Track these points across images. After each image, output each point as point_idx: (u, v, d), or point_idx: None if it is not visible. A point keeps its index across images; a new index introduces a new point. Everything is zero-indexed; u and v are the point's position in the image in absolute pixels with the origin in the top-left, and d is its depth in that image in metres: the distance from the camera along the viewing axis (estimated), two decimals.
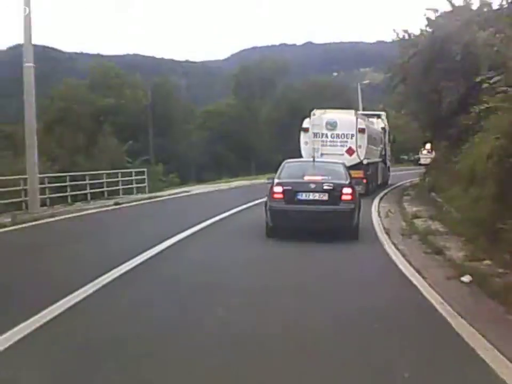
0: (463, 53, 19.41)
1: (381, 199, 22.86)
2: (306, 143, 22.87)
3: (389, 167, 31.78)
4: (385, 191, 26.86)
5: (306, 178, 12.04)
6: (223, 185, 32.09)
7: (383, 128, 29.36)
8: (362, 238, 12.22)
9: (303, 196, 11.71)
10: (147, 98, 56.80)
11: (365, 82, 53.60)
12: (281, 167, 12.81)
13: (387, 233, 13.04)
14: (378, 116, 30.27)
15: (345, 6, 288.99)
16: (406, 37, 24.61)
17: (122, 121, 51.47)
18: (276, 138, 64.26)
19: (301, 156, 21.74)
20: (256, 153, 62.07)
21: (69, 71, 68.18)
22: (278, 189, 11.82)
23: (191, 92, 79.89)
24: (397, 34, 24.40)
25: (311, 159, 13.38)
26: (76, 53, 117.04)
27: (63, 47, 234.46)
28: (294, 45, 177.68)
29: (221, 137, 62.15)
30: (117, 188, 24.73)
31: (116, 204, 19.94)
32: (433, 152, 69.54)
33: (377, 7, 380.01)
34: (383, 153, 28.84)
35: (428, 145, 69.78)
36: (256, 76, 66.12)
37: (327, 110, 23.81)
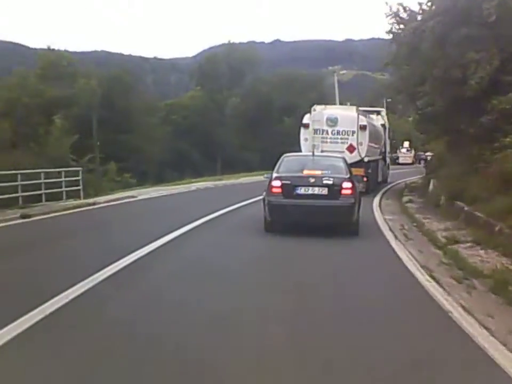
0: (497, 13, 14.30)
1: (380, 205, 18.10)
2: (306, 139, 21.93)
3: (388, 164, 30.80)
4: (379, 195, 22.22)
5: (306, 172, 11.65)
6: (181, 187, 26.52)
7: (383, 125, 28.36)
8: (404, 290, 7.39)
9: (301, 190, 11.37)
10: (100, 88, 51.57)
11: (342, 72, 49.99)
12: (279, 161, 12.37)
13: (432, 277, 7.78)
14: (378, 113, 29.57)
15: (314, 4, 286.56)
16: (402, 11, 19.77)
17: (76, 115, 46.02)
18: (243, 134, 59.47)
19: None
20: (222, 150, 56.99)
21: (35, 66, 62.39)
22: (276, 183, 11.49)
23: (159, 89, 75.31)
24: (390, 8, 19.30)
25: (311, 154, 13.28)
26: (43, 49, 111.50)
27: (30, 43, 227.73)
28: (263, 42, 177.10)
29: (184, 133, 56.81)
30: (40, 192, 19.05)
31: (23, 216, 14.31)
32: (413, 151, 65.76)
33: (347, 5, 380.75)
34: (383, 150, 27.59)
35: (407, 143, 65.98)
36: (224, 66, 61.00)
37: (328, 106, 23.60)
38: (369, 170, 22.10)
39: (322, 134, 21.69)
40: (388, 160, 30.24)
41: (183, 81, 75.80)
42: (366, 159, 21.70)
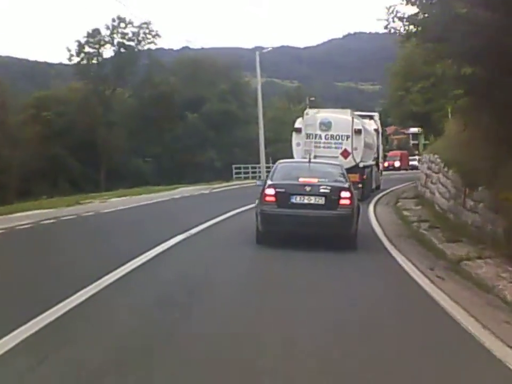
0: None
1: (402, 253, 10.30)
2: (298, 144, 21.62)
3: (381, 171, 30.58)
4: (374, 225, 14.59)
5: (302, 180, 11.03)
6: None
7: (376, 130, 27.82)
8: None
9: (297, 199, 10.72)
10: None
11: (265, 50, 41.65)
12: (274, 168, 11.97)
13: None
14: (371, 117, 28.82)
15: (223, 11, 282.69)
16: None
17: None
18: (134, 136, 48.38)
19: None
20: (107, 157, 46.19)
21: None
22: (270, 191, 10.86)
23: None
24: None
25: (307, 160, 12.56)
26: None
27: None
28: (171, 49, 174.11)
29: (59, 134, 46.24)
30: None
31: None
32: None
33: (256, 13, 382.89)
34: (376, 156, 27.10)
35: None
36: (108, 48, 49.54)
37: (321, 110, 23.40)
38: (364, 176, 21.69)
39: (315, 138, 21.36)
40: (380, 166, 30.09)
41: None
42: (361, 165, 21.33)
